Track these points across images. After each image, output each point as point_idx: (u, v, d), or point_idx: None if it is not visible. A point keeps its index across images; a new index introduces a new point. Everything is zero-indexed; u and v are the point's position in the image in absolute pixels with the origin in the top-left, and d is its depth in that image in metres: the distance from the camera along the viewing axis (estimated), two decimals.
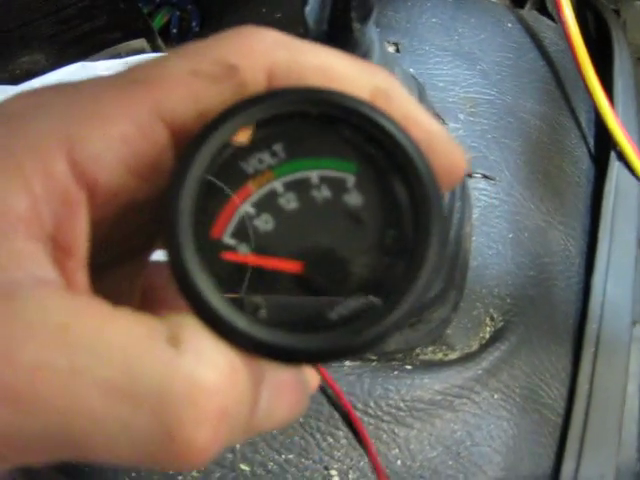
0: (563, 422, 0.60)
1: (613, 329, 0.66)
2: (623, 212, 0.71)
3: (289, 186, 0.21)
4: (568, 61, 0.74)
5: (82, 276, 0.19)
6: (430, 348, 0.57)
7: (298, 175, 0.21)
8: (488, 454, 0.55)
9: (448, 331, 0.58)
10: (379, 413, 0.54)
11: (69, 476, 0.48)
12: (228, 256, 0.20)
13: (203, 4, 0.85)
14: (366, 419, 0.54)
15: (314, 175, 0.21)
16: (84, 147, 0.19)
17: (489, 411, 0.56)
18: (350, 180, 0.21)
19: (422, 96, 0.55)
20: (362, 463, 0.52)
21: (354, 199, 0.21)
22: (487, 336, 0.59)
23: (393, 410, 0.54)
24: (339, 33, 0.40)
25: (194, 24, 0.84)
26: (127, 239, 0.22)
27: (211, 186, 0.20)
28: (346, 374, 0.54)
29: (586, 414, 0.61)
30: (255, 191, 0.21)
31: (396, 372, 0.55)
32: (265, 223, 0.21)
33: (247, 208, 0.20)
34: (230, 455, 0.52)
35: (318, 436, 0.53)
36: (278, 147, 0.21)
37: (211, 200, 0.20)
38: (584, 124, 0.77)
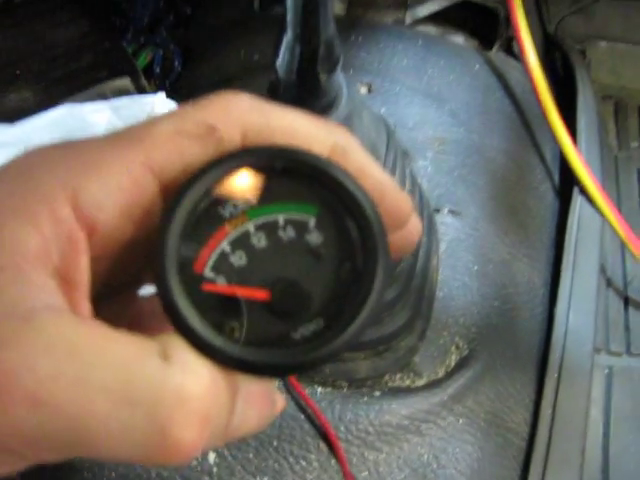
0: (527, 446, 0.63)
1: (575, 357, 0.69)
2: (585, 244, 0.75)
3: (259, 227, 0.24)
4: (534, 100, 0.77)
5: (85, 304, 0.23)
6: (398, 375, 0.60)
7: (267, 218, 0.24)
8: (454, 476, 0.58)
9: (415, 359, 0.60)
10: (349, 437, 0.57)
11: None
12: (208, 287, 0.24)
13: (185, 44, 0.88)
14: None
15: (280, 218, 0.25)
16: (85, 195, 0.22)
17: (455, 435, 0.59)
18: (311, 222, 0.25)
19: (390, 137, 0.58)
20: None
21: (315, 238, 0.25)
22: (453, 364, 0.62)
23: (363, 434, 0.57)
24: (307, 83, 0.44)
25: (176, 63, 0.87)
26: (122, 273, 0.25)
27: (194, 228, 0.24)
28: (318, 400, 0.57)
29: (549, 438, 0.64)
30: (230, 232, 0.24)
31: (365, 398, 0.58)
32: (239, 259, 0.24)
33: (224, 246, 0.24)
34: (207, 478, 0.54)
35: (291, 459, 0.56)
36: (250, 194, 0.25)
37: (194, 240, 0.24)
38: (549, 160, 0.80)
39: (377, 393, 0.58)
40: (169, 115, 0.25)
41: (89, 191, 0.22)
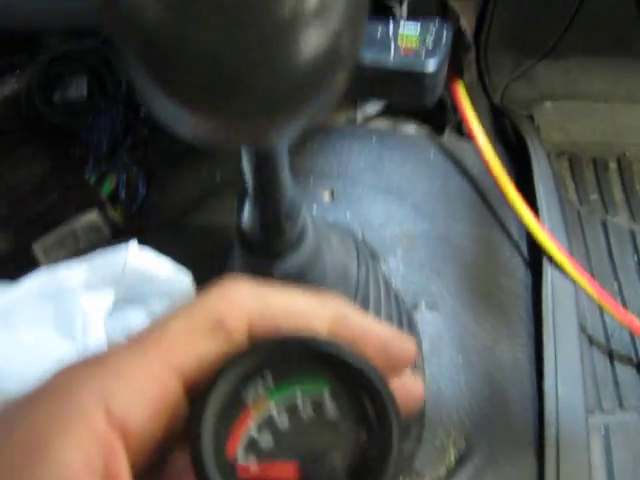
0: None
1: (570, 428, 0.70)
2: (563, 313, 0.77)
3: (280, 405, 0.27)
4: (491, 180, 0.80)
5: None
6: (400, 478, 0.61)
7: (286, 396, 0.27)
8: None
9: (416, 462, 0.61)
10: None
11: None
12: (242, 474, 0.26)
13: (147, 167, 0.90)
14: None
15: (298, 395, 0.27)
16: (116, 404, 0.24)
17: None
18: (326, 397, 0.27)
19: (359, 250, 0.60)
20: None
21: (332, 412, 0.27)
22: (453, 460, 0.63)
23: None
24: (274, 234, 0.45)
25: (140, 187, 0.89)
26: (156, 454, 0.27)
27: (221, 418, 0.26)
28: None
29: None
30: (255, 415, 0.27)
31: None
32: (266, 441, 0.26)
33: (251, 430, 0.26)
34: None
35: None
36: (268, 377, 0.27)
37: (223, 428, 0.26)
38: (515, 234, 0.82)
39: None
40: (179, 313, 0.27)
41: (119, 399, 0.24)
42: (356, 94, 0.52)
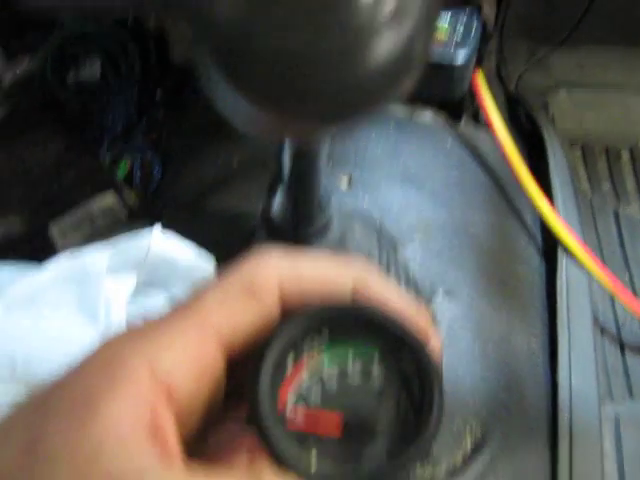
0: None
1: (583, 417, 0.71)
2: (577, 303, 0.77)
3: (332, 361, 0.29)
4: (506, 168, 0.80)
5: (178, 452, 0.26)
6: (418, 467, 0.62)
7: (338, 353, 0.29)
8: None
9: (433, 448, 0.62)
10: None
11: None
12: (291, 427, 0.28)
13: (163, 150, 0.90)
14: None
15: (349, 357, 0.29)
16: (160, 366, 0.27)
17: None
18: (375, 358, 0.29)
19: (380, 237, 0.60)
20: None
21: (378, 372, 0.29)
22: (469, 447, 0.63)
23: None
24: (302, 224, 0.46)
25: (156, 170, 0.89)
26: (201, 420, 0.29)
27: (277, 369, 0.28)
28: None
29: None
30: (308, 365, 0.29)
31: None
32: (316, 389, 0.29)
33: (303, 379, 0.29)
34: None
35: None
36: (324, 334, 0.29)
37: (277, 377, 0.28)
38: (530, 223, 0.83)
39: None
40: (215, 283, 0.29)
41: (162, 362, 0.27)
42: None
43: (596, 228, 0.99)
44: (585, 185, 1.04)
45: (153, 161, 0.90)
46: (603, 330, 0.88)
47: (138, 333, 0.28)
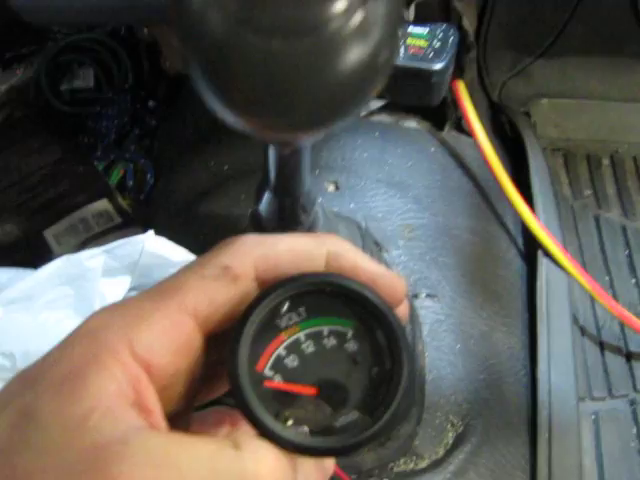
0: None
1: (562, 413, 0.74)
2: (556, 303, 0.80)
3: (308, 336, 0.30)
4: (489, 174, 0.83)
5: (162, 423, 0.28)
6: (402, 460, 0.64)
7: (314, 329, 0.30)
8: None
9: (415, 442, 0.64)
10: None
11: None
12: (268, 384, 0.29)
13: (155, 157, 0.93)
14: None
15: (325, 329, 0.30)
16: (139, 343, 0.28)
17: None
18: (349, 333, 0.31)
19: (364, 239, 0.63)
20: None
21: (351, 346, 0.30)
22: (450, 441, 0.66)
23: None
24: (288, 222, 0.48)
25: (149, 176, 0.91)
26: (180, 395, 0.31)
27: (256, 337, 0.29)
28: None
29: None
30: (285, 339, 0.30)
31: None
32: (292, 361, 0.30)
33: (280, 351, 0.30)
34: None
35: None
36: (301, 310, 0.31)
37: (256, 345, 0.29)
38: (511, 227, 0.85)
39: None
40: (192, 264, 0.31)
41: (141, 339, 0.28)
42: None
43: (577, 232, 1.02)
44: (567, 191, 1.07)
45: (146, 168, 0.92)
46: (583, 331, 0.91)
47: (118, 310, 0.29)
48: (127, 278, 0.62)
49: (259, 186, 0.46)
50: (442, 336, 0.69)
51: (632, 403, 0.88)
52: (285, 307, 0.30)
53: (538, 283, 0.80)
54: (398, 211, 0.76)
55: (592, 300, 0.89)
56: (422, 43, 0.53)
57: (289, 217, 0.47)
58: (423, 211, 0.77)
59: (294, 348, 0.30)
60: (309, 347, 0.30)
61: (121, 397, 0.27)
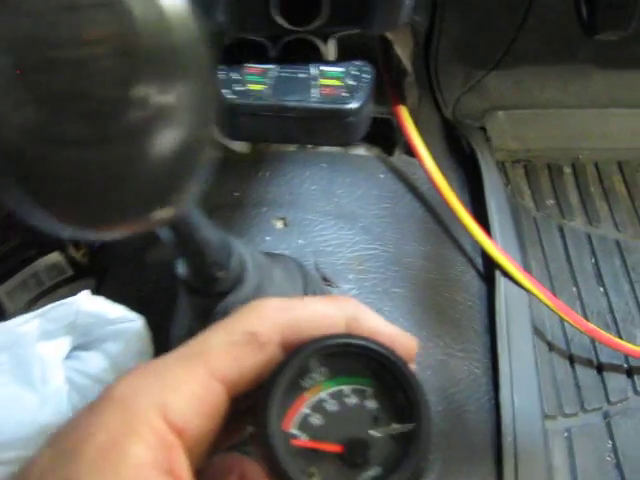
0: None
1: (527, 435, 0.72)
2: (516, 324, 0.79)
3: (331, 395, 0.31)
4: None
5: None
6: None
7: (337, 388, 0.32)
8: None
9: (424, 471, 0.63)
10: None
11: None
12: (296, 442, 0.30)
13: None
14: None
15: (347, 388, 0.32)
16: (171, 408, 0.29)
17: None
18: (369, 391, 0.32)
19: (307, 280, 0.62)
20: None
21: (372, 404, 0.31)
22: None
23: None
24: (209, 283, 0.47)
25: None
26: (204, 453, 0.32)
27: (283, 397, 0.30)
28: None
29: None
30: (310, 398, 0.31)
31: None
32: (317, 419, 0.31)
33: (305, 410, 0.31)
34: None
35: None
36: (324, 370, 0.32)
37: (283, 405, 0.30)
38: (468, 248, 0.84)
39: None
40: (218, 329, 0.32)
41: (174, 405, 0.29)
42: (283, 139, 0.54)
43: (542, 244, 1.01)
44: (529, 202, 1.06)
45: None
46: (551, 346, 0.90)
47: (148, 375, 0.30)
48: (67, 339, 0.61)
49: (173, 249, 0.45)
50: None
51: (606, 416, 0.87)
52: (309, 368, 0.31)
53: (497, 304, 0.79)
54: (347, 243, 0.75)
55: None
56: (336, 83, 0.52)
57: (204, 276, 0.46)
58: (373, 241, 0.76)
59: (318, 407, 0.31)
60: (332, 406, 0.31)
61: (157, 467, 0.27)
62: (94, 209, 0.25)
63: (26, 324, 0.58)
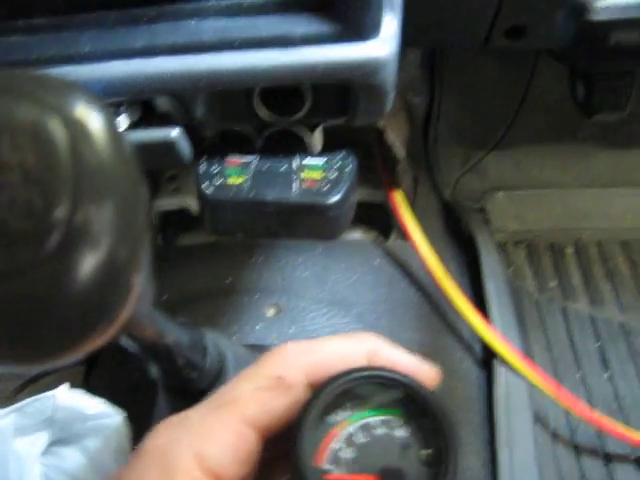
0: None
1: None
2: (517, 414, 0.76)
3: (360, 428, 0.32)
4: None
5: None
6: None
7: (364, 421, 0.32)
8: None
9: None
10: None
11: None
12: (328, 477, 0.31)
13: None
14: None
15: (374, 420, 0.32)
16: (208, 458, 0.30)
17: None
18: (397, 421, 0.32)
19: None
20: None
21: (401, 433, 0.32)
22: None
23: None
24: (183, 383, 0.46)
25: None
26: None
27: (313, 434, 0.31)
28: None
29: None
30: (339, 433, 0.32)
31: None
32: (348, 453, 0.32)
33: (335, 445, 0.32)
34: None
35: None
36: (350, 404, 0.33)
37: (313, 442, 0.31)
38: (466, 335, 0.82)
39: None
40: (245, 377, 0.33)
41: (210, 454, 0.30)
42: (264, 234, 0.53)
43: (544, 327, 0.98)
44: (531, 284, 1.04)
45: None
46: (555, 435, 0.87)
47: (182, 426, 0.31)
48: (43, 434, 0.59)
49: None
50: None
51: None
52: (335, 403, 0.32)
53: (495, 394, 0.76)
54: (340, 331, 0.73)
55: None
56: (317, 175, 0.51)
57: (179, 378, 0.44)
58: (367, 329, 0.74)
59: (348, 441, 0.32)
60: (362, 438, 0.32)
61: None
62: (22, 345, 0.23)
63: (2, 419, 0.56)
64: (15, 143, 0.20)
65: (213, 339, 0.49)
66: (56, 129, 0.22)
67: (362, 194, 0.84)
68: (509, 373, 0.79)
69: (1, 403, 0.60)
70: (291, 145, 0.55)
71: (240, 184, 0.51)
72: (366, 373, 0.32)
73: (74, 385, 0.60)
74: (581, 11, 0.58)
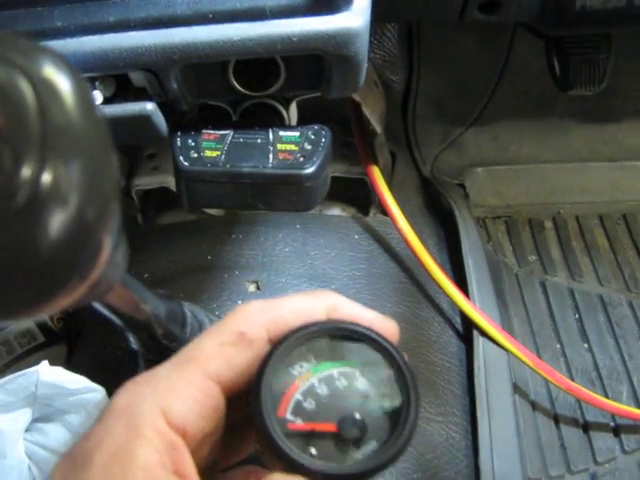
0: None
1: None
2: (496, 384, 0.77)
3: (321, 380, 0.33)
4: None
5: None
6: None
7: (325, 373, 0.33)
8: None
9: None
10: None
11: None
12: (292, 427, 0.32)
13: None
14: None
15: (335, 372, 0.33)
16: (173, 412, 0.30)
17: None
18: (357, 373, 0.33)
19: None
20: None
21: (361, 384, 0.33)
22: None
23: None
24: (162, 353, 0.46)
25: None
26: (208, 454, 0.34)
27: (275, 387, 0.32)
28: None
29: None
30: (301, 385, 0.33)
31: None
32: (310, 404, 0.32)
33: (298, 396, 0.32)
34: None
35: None
36: (311, 357, 0.33)
37: (276, 394, 0.32)
38: (446, 308, 0.83)
39: None
40: (208, 334, 0.33)
41: (175, 408, 0.30)
42: (240, 206, 0.54)
43: (524, 301, 0.99)
44: (511, 258, 1.05)
45: None
46: (535, 405, 0.88)
47: (147, 383, 0.32)
48: (27, 411, 0.60)
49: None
50: None
51: (593, 477, 0.85)
52: (296, 356, 0.33)
53: (475, 365, 0.77)
54: None
55: None
56: (292, 147, 0.51)
57: (158, 349, 0.45)
58: None
59: (310, 392, 0.32)
60: (324, 390, 0.33)
61: (164, 467, 0.29)
62: None
63: None
64: None
65: (192, 311, 0.50)
66: (25, 89, 0.22)
67: (341, 170, 0.84)
68: (488, 344, 0.80)
69: None
70: (267, 118, 0.56)
71: (216, 157, 0.51)
72: (323, 326, 0.33)
73: (56, 364, 0.61)
74: None
